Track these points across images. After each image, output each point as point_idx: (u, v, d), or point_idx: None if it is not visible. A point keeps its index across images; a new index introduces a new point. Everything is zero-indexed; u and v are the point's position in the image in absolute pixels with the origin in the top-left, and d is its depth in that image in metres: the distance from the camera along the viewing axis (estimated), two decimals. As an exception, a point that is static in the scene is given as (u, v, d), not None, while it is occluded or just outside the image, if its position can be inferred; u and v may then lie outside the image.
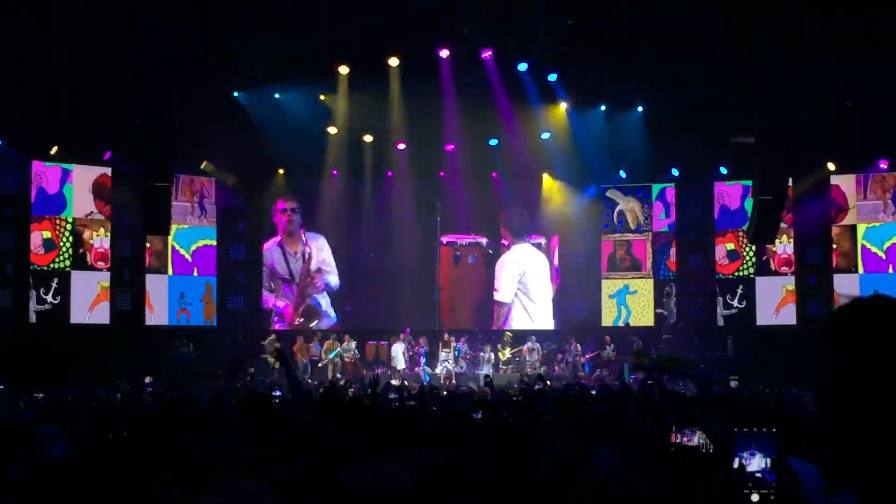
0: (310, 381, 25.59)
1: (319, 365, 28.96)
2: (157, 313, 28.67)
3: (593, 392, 15.72)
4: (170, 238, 28.18)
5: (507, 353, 29.77)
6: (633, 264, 31.63)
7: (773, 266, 29.81)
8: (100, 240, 27.60)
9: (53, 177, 27.03)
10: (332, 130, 29.41)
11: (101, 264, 27.54)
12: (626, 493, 3.63)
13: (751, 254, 30.05)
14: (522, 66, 27.35)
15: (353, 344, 29.55)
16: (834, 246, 29.01)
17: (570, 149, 29.83)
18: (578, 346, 29.82)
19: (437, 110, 28.05)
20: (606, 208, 31.92)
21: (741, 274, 30.23)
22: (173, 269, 29.13)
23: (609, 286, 31.90)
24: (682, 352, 26.64)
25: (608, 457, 6.18)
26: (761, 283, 29.85)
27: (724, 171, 30.20)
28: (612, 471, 5.53)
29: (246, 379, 23.50)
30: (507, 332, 30.53)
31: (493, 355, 29.46)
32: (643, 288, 31.46)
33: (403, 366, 29.07)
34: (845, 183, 29.12)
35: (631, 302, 31.58)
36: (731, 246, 30.47)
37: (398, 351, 29.48)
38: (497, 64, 27.31)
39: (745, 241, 29.56)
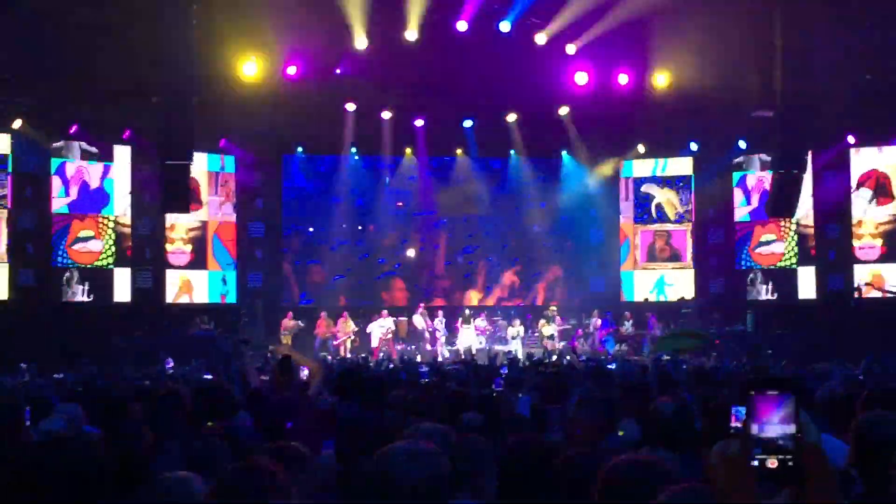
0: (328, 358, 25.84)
1: (335, 343, 29.21)
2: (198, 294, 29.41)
3: (612, 367, 15.80)
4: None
5: (551, 328, 29.79)
6: (672, 254, 31.80)
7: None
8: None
9: (95, 173, 27.44)
10: (351, 106, 29.41)
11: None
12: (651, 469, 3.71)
13: (792, 243, 29.90)
14: (541, 39, 27.20)
15: (391, 320, 29.58)
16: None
17: (587, 123, 29.76)
18: (598, 321, 30.02)
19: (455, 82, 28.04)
20: (644, 202, 32.17)
21: (785, 264, 30.00)
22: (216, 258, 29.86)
23: (646, 277, 32.10)
24: (698, 327, 26.69)
25: (631, 432, 6.26)
26: (804, 273, 29.60)
27: (742, 145, 30.22)
28: (634, 445, 5.62)
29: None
30: (552, 307, 30.53)
31: (521, 329, 29.66)
32: (681, 279, 31.46)
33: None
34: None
35: (670, 294, 31.55)
36: (772, 236, 30.26)
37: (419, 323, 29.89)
38: (513, 35, 27.21)
39: (787, 229, 29.73)
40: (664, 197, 31.99)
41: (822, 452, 2.53)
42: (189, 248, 29.52)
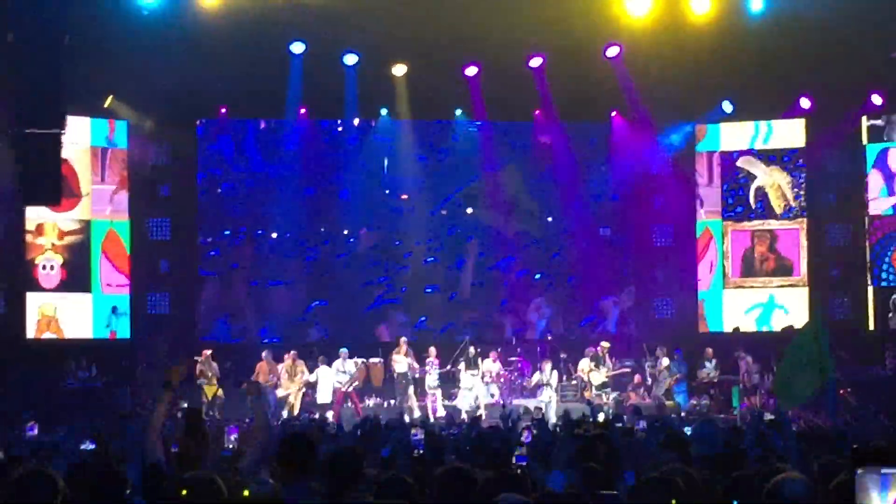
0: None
1: (280, 395, 29.07)
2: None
3: (688, 431, 15.77)
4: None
5: (601, 375, 29.91)
6: (779, 265, 31.76)
7: None
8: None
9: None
10: (298, 48, 29.33)
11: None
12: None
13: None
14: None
15: (353, 364, 29.81)
16: None
17: (650, 71, 29.74)
18: (665, 360, 30.01)
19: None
20: (738, 186, 32.09)
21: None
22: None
23: (743, 298, 32.00)
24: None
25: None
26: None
27: (876, 100, 30.23)
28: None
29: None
30: (604, 344, 30.67)
31: (552, 376, 29.52)
32: (795, 300, 31.25)
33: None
34: None
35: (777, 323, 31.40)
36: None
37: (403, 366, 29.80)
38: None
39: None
40: (769, 180, 31.90)
41: None
42: (60, 259, 29.37)
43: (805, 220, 31.87)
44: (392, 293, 33.12)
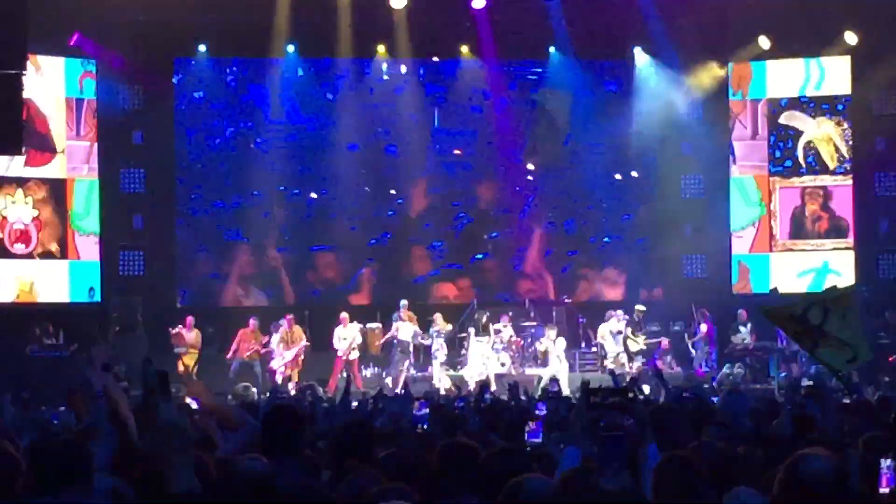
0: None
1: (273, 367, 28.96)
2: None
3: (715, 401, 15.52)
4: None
5: (640, 342, 29.65)
6: (832, 227, 31.68)
7: None
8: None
9: None
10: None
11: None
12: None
13: None
14: None
15: (355, 328, 29.90)
16: None
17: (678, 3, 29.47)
18: (704, 325, 29.84)
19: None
20: (786, 135, 31.95)
21: None
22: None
23: (795, 261, 31.73)
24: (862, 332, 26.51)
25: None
26: None
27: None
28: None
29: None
30: (640, 307, 30.42)
31: (558, 342, 29.41)
32: (849, 265, 31.24)
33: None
34: None
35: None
36: None
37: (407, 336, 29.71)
38: None
39: None
40: (820, 131, 31.55)
41: None
42: (32, 222, 29.30)
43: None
44: (443, 259, 33.18)
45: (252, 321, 29.49)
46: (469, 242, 33.30)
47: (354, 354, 29.15)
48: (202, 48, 31.31)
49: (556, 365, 28.88)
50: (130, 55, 30.12)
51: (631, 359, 29.45)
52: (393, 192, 32.94)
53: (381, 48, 31.99)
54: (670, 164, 32.46)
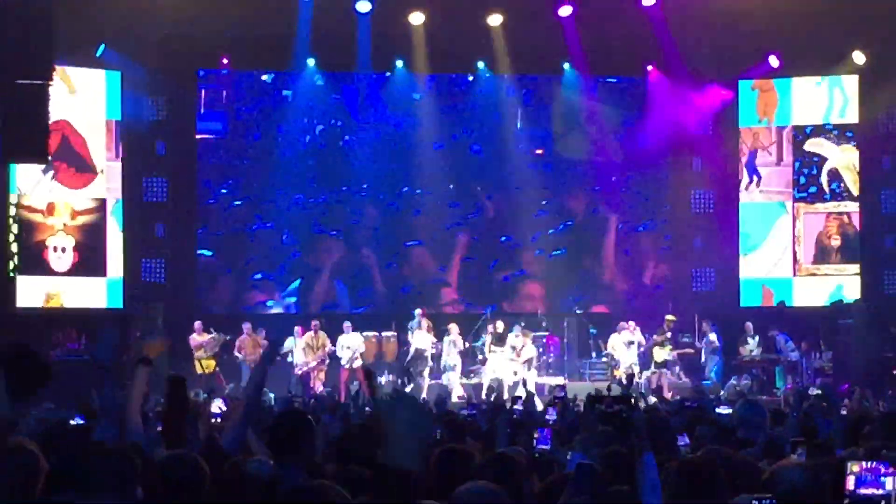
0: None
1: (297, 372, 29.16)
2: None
3: (721, 412, 15.61)
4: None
5: (665, 353, 29.83)
6: (849, 250, 31.67)
7: None
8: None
9: None
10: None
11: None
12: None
13: None
14: None
15: (358, 338, 30.04)
16: None
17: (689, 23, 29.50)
18: (713, 335, 29.89)
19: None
20: (809, 164, 32.03)
21: None
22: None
23: (818, 285, 31.80)
24: (868, 347, 26.51)
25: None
26: None
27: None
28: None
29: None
30: (669, 317, 30.46)
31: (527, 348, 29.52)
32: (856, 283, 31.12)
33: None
34: None
35: None
36: None
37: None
38: None
39: None
40: (843, 159, 31.64)
41: None
42: (73, 241, 29.64)
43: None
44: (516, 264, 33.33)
45: (246, 326, 29.67)
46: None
47: (358, 363, 29.07)
48: (225, 60, 31.20)
49: (489, 373, 29.27)
50: (154, 67, 29.96)
51: (658, 367, 29.37)
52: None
53: (399, 63, 31.88)
54: (678, 181, 32.29)
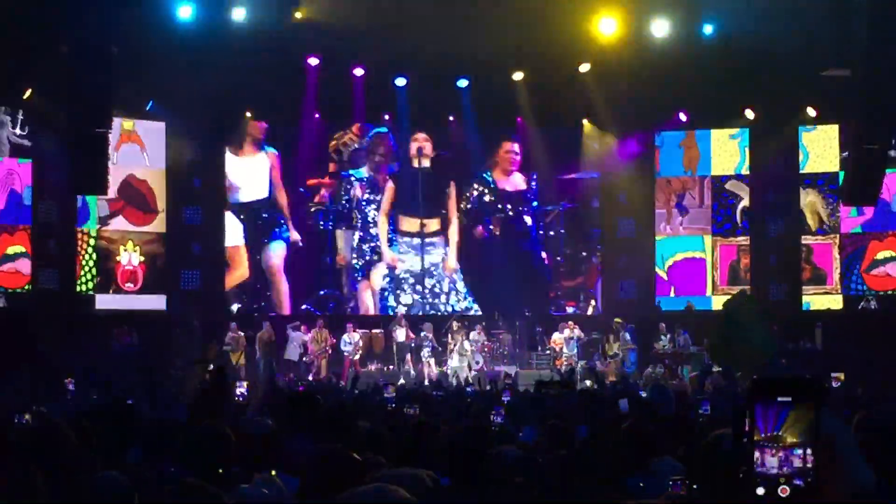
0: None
1: (304, 360, 29.56)
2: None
3: (643, 394, 15.85)
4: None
5: (615, 348, 29.87)
6: (814, 276, 31.28)
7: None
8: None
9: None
10: (314, 61, 29.34)
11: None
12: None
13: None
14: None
15: (357, 335, 30.09)
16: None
17: (616, 85, 29.70)
18: (628, 335, 30.05)
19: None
20: (725, 206, 31.99)
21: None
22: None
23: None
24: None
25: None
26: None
27: (811, 112, 30.21)
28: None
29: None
30: (618, 320, 30.44)
31: (465, 345, 29.64)
32: (830, 306, 30.71)
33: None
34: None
35: None
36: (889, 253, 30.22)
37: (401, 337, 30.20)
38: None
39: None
40: (806, 199, 31.26)
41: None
42: (139, 260, 30.05)
43: (837, 236, 31.12)
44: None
45: (267, 324, 29.78)
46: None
47: (357, 355, 29.53)
48: (248, 114, 31.41)
49: (455, 361, 29.24)
50: (192, 119, 30.14)
51: (606, 358, 29.59)
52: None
53: (386, 117, 32.03)
54: (607, 209, 32.65)
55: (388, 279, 33.01)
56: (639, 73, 28.80)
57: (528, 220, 33.52)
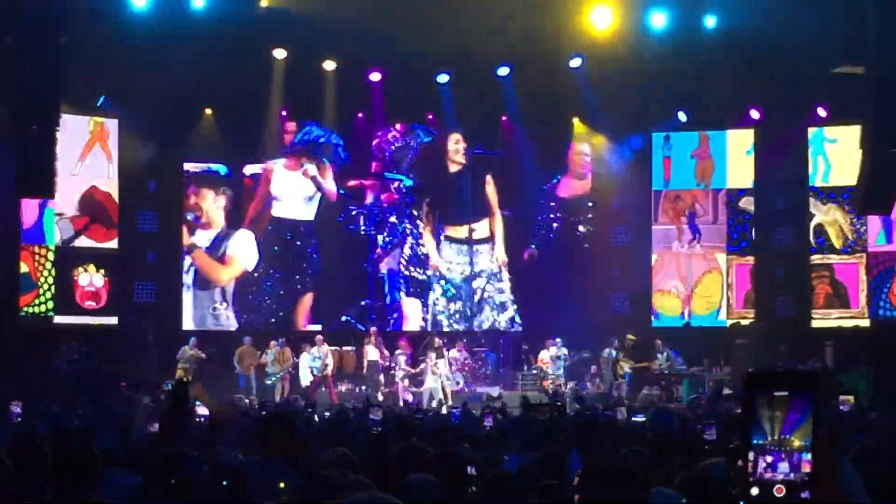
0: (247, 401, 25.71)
1: (267, 382, 29.16)
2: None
3: (638, 420, 15.68)
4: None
5: (625, 367, 29.61)
6: (838, 298, 30.89)
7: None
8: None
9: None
10: (281, 54, 29.21)
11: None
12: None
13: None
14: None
15: (327, 350, 29.67)
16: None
17: (609, 82, 29.62)
18: (619, 353, 29.75)
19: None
20: (741, 222, 31.87)
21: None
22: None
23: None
24: (761, 363, 26.60)
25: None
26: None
27: (822, 112, 30.04)
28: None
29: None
30: (630, 336, 30.14)
31: (441, 364, 29.18)
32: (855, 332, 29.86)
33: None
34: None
35: None
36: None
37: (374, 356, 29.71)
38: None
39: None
40: (829, 216, 31.07)
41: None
42: (102, 281, 29.73)
43: (864, 254, 30.84)
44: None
45: (247, 339, 29.72)
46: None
47: (328, 371, 29.26)
48: (207, 111, 31.09)
49: (430, 382, 28.78)
50: (148, 117, 29.84)
51: (618, 379, 29.35)
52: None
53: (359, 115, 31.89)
54: (600, 219, 32.51)
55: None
56: (634, 70, 28.77)
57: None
